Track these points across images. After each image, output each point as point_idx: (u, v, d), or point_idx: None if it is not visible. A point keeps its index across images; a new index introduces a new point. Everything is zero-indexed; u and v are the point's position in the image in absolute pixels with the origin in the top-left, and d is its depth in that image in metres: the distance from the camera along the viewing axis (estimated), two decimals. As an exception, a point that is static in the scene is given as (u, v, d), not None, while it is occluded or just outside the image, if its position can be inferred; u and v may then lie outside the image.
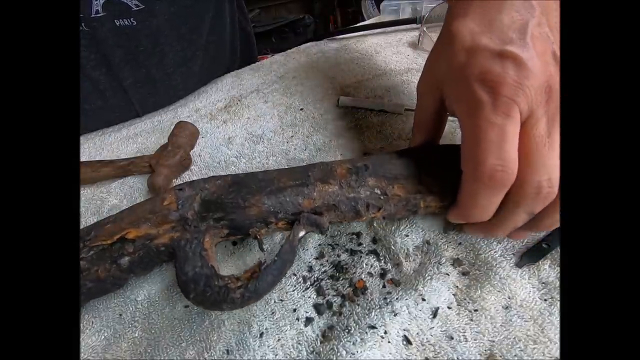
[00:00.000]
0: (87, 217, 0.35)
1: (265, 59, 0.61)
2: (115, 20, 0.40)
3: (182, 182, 0.38)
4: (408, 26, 0.59)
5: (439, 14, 0.55)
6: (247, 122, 0.45)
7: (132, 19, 0.40)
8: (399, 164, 0.28)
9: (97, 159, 0.40)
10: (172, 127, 0.39)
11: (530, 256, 0.27)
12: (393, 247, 0.29)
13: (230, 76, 0.54)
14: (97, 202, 0.37)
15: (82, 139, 0.45)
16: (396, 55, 0.53)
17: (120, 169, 0.38)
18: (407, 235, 0.30)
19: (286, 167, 0.38)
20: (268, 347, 0.25)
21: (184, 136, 0.38)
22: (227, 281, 0.24)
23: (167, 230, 0.26)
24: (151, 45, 0.43)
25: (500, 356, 0.23)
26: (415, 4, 0.62)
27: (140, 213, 0.26)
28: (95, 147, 0.44)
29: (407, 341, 0.24)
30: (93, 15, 0.38)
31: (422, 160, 0.28)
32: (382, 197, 0.27)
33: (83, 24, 0.39)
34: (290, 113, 0.45)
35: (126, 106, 0.47)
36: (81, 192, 0.38)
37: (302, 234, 0.26)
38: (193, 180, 0.29)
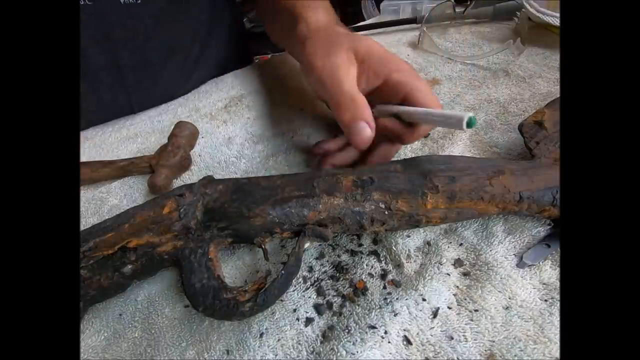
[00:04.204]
0: (87, 217, 0.35)
1: (265, 59, 0.61)
2: None
3: (182, 182, 0.38)
4: (408, 26, 0.59)
5: (439, 14, 0.55)
6: (247, 122, 0.45)
7: None
8: (403, 177, 0.28)
9: (97, 159, 0.40)
10: (172, 127, 0.39)
11: (531, 257, 0.27)
12: (394, 248, 0.29)
13: (230, 76, 0.54)
14: (97, 203, 0.37)
15: (82, 138, 0.45)
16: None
17: (120, 169, 0.38)
18: (408, 236, 0.30)
19: (286, 167, 0.38)
20: (268, 347, 0.25)
21: (184, 136, 0.38)
22: (235, 293, 0.25)
23: (169, 239, 0.26)
24: (152, 27, 0.43)
25: (500, 356, 0.23)
26: (415, 4, 0.62)
27: (142, 222, 0.26)
28: (95, 147, 0.44)
29: (407, 341, 0.24)
30: None
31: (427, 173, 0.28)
32: (386, 212, 0.27)
33: None
34: (290, 113, 0.45)
35: (120, 89, 0.46)
36: (81, 192, 0.38)
37: (306, 245, 0.26)
38: (192, 184, 0.28)
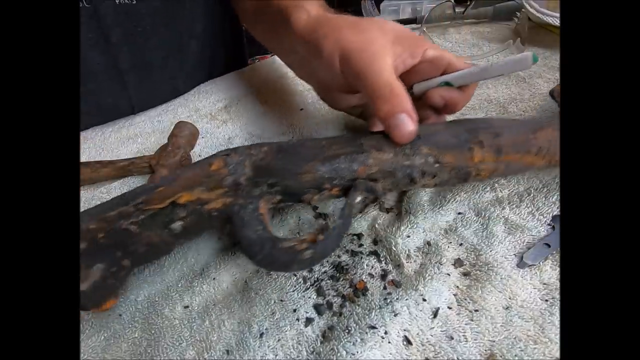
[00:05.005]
0: (87, 217, 0.35)
1: (266, 59, 0.61)
2: None
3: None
4: (408, 26, 0.59)
5: (438, 14, 0.55)
6: (247, 122, 0.45)
7: None
8: (447, 134, 0.28)
9: (97, 159, 0.40)
10: (172, 127, 0.39)
11: (531, 257, 0.27)
12: (394, 249, 0.29)
13: (230, 76, 0.54)
14: (97, 203, 0.37)
15: (82, 138, 0.45)
16: (396, 55, 0.53)
17: (120, 169, 0.38)
18: (408, 236, 0.30)
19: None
20: (268, 347, 0.25)
21: (183, 136, 0.38)
22: (293, 243, 0.24)
23: (219, 195, 0.26)
24: (149, 27, 0.43)
25: (501, 356, 0.23)
26: (415, 4, 0.62)
27: (192, 177, 0.26)
28: (95, 147, 0.44)
29: (408, 341, 0.24)
30: None
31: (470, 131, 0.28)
32: (436, 165, 0.27)
33: (84, 0, 0.38)
34: (290, 113, 0.45)
35: (120, 92, 0.46)
36: (81, 192, 0.38)
37: (358, 199, 0.26)
38: (237, 147, 0.28)
